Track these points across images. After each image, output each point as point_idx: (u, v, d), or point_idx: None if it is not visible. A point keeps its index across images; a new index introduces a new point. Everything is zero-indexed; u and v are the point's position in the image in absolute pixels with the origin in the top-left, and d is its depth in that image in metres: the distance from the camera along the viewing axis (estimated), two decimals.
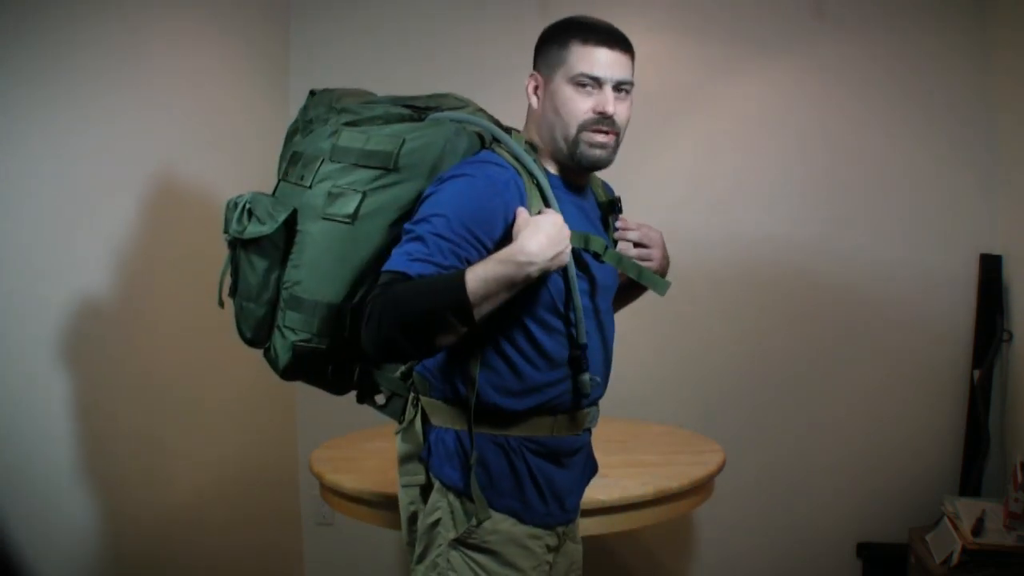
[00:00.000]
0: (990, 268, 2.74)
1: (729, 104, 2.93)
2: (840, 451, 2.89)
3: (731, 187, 2.93)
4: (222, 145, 2.58)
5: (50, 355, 1.96)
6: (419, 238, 1.34)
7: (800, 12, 2.86)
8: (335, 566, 3.10)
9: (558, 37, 1.48)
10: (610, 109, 1.45)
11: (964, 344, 2.78)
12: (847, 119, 2.86)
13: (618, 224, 1.60)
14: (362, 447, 2.40)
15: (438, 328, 1.30)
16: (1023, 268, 2.64)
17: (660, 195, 2.95)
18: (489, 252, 1.36)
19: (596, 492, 1.97)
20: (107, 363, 2.13)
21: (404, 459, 1.52)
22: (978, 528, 2.28)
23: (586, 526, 1.97)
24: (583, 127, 1.45)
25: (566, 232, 1.35)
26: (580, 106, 1.45)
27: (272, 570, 2.94)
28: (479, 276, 1.28)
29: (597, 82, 1.45)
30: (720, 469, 2.24)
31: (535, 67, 1.51)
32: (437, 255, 1.32)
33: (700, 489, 2.17)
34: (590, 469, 1.64)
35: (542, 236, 1.31)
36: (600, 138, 1.46)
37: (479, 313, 1.29)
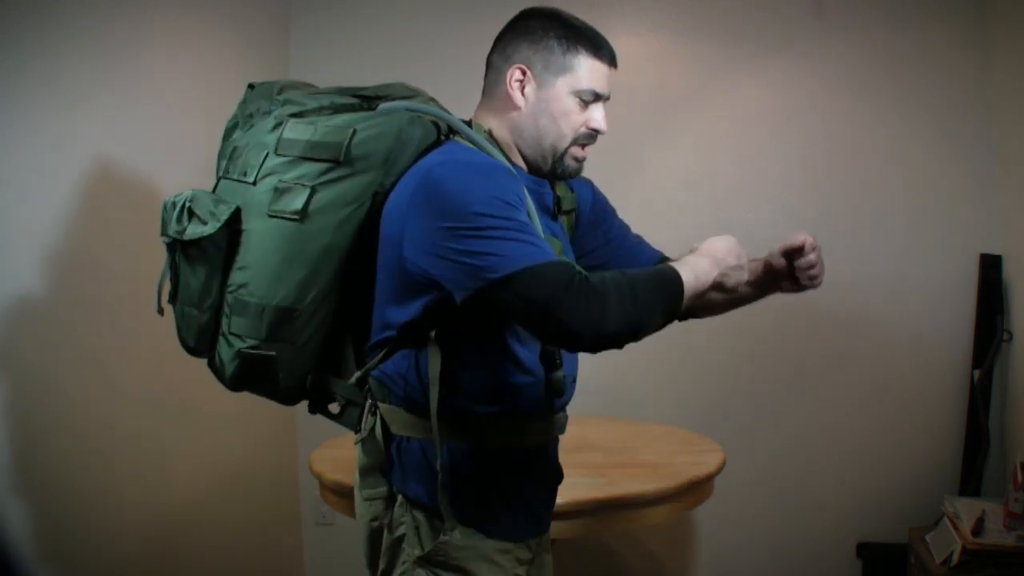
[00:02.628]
0: (990, 268, 2.74)
1: (729, 104, 2.93)
2: (840, 451, 2.89)
3: (730, 187, 2.93)
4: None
5: (47, 356, 1.96)
6: (516, 234, 1.23)
7: (800, 12, 2.86)
8: (335, 566, 3.10)
9: (561, 38, 1.40)
10: (605, 128, 1.43)
11: (964, 344, 2.79)
12: (847, 119, 2.86)
13: (809, 257, 1.57)
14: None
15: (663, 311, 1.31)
16: (1023, 268, 2.64)
17: (660, 195, 2.95)
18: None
19: (596, 492, 1.97)
20: (105, 361, 2.13)
21: (365, 471, 1.43)
22: (978, 528, 2.28)
23: (586, 526, 1.98)
24: (575, 141, 1.42)
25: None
26: (578, 120, 1.41)
27: (272, 570, 2.94)
28: (697, 275, 1.34)
29: (596, 98, 1.41)
30: (720, 469, 2.24)
31: (520, 58, 1.41)
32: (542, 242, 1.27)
33: (700, 489, 2.17)
34: (557, 478, 1.55)
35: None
36: (583, 153, 1.44)
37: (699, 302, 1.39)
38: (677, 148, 2.96)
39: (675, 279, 1.30)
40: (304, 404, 3.17)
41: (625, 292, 1.23)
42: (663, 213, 2.95)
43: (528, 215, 1.31)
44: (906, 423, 2.85)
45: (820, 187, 2.88)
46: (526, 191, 1.35)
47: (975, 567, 2.22)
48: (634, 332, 1.26)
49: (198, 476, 2.48)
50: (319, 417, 3.14)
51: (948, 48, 2.80)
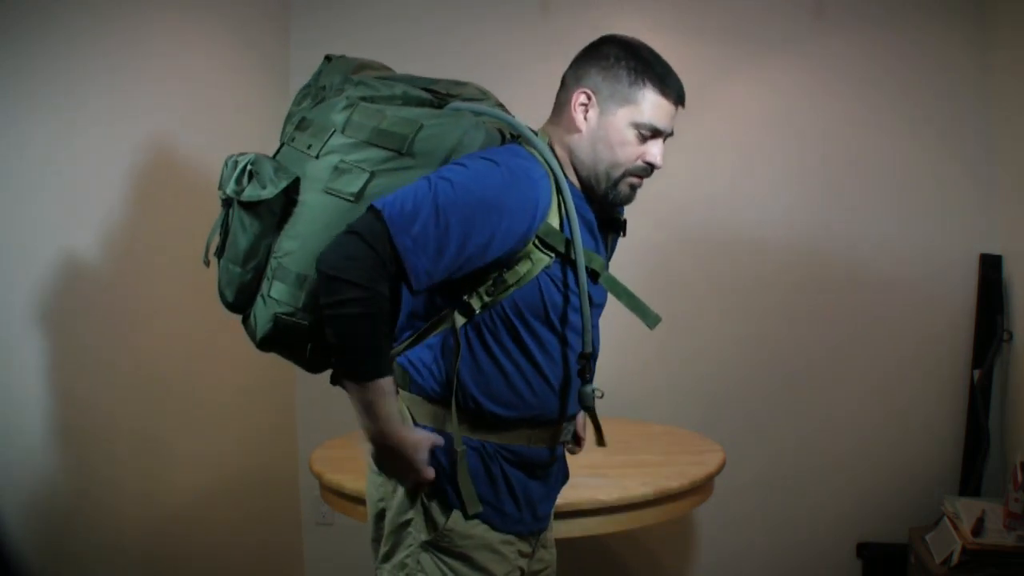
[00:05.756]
0: (990, 268, 2.74)
1: (729, 104, 2.93)
2: (840, 451, 2.89)
3: (731, 187, 2.93)
4: (222, 146, 2.56)
5: (46, 351, 1.96)
6: (419, 213, 1.31)
7: (800, 12, 2.86)
8: (335, 566, 3.10)
9: (630, 70, 1.43)
10: (660, 163, 1.46)
11: (964, 344, 2.79)
12: (847, 119, 2.86)
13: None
14: (362, 447, 2.40)
15: (333, 342, 1.35)
16: (1023, 268, 2.64)
17: (660, 195, 2.94)
18: (494, 246, 1.34)
19: (596, 492, 1.98)
20: (105, 361, 2.13)
21: None
22: (978, 528, 2.28)
23: (586, 526, 1.98)
24: (630, 172, 1.46)
25: (417, 467, 1.39)
26: (635, 151, 1.44)
27: (272, 570, 2.94)
28: (374, 397, 1.33)
29: (655, 134, 1.45)
30: (720, 469, 2.24)
31: (588, 83, 1.45)
32: (438, 237, 1.31)
33: (700, 489, 2.17)
34: (562, 477, 1.61)
35: (394, 466, 1.41)
36: (638, 182, 1.48)
37: (346, 387, 1.37)
38: (677, 148, 2.94)
39: (369, 367, 1.33)
40: (303, 405, 3.17)
41: (369, 302, 1.29)
42: (663, 213, 2.95)
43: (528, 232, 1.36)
44: (906, 423, 2.85)
45: (820, 187, 2.88)
46: (565, 205, 1.40)
47: (975, 567, 2.22)
48: (329, 293, 1.31)
49: (198, 476, 2.48)
50: (319, 417, 3.16)
51: (948, 48, 2.80)
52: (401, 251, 1.30)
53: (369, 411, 1.35)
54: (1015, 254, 2.69)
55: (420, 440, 1.38)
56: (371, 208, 1.32)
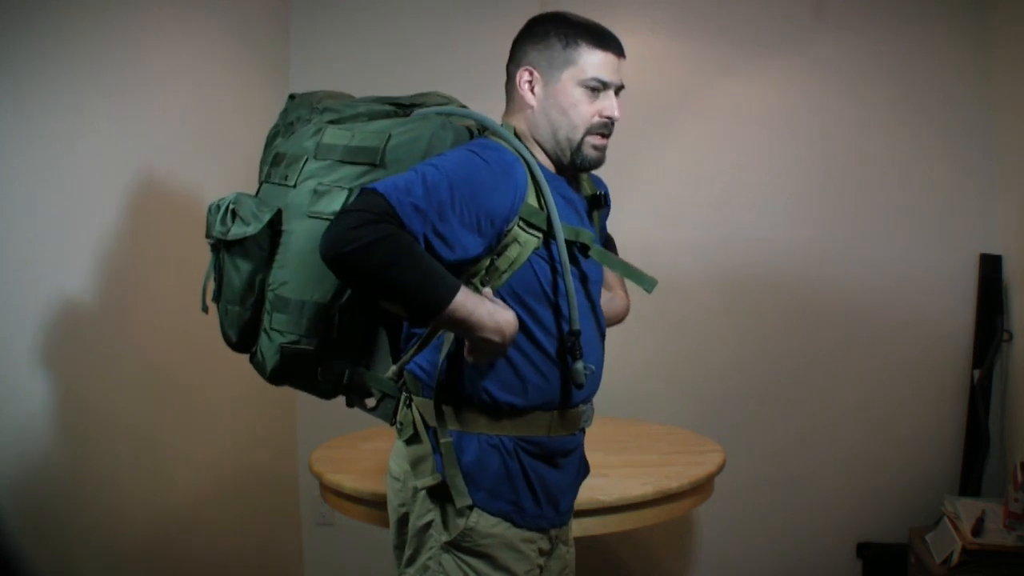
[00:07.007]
0: (990, 268, 2.74)
1: (728, 104, 2.93)
2: (840, 451, 2.89)
3: (730, 187, 2.93)
4: (222, 146, 2.58)
5: (48, 353, 1.96)
6: (412, 190, 1.31)
7: (800, 12, 2.87)
8: (335, 566, 3.10)
9: (561, 35, 1.46)
10: (617, 114, 1.48)
11: (964, 344, 2.79)
12: (847, 119, 2.86)
13: None
14: (362, 447, 2.40)
15: (398, 302, 1.33)
16: (1023, 268, 2.64)
17: (659, 195, 2.95)
18: (483, 229, 1.35)
19: (596, 492, 1.97)
20: (106, 362, 2.13)
21: (416, 461, 1.47)
22: (978, 528, 2.28)
23: (586, 526, 1.97)
24: (589, 130, 1.47)
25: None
26: (588, 109, 1.47)
27: (272, 570, 2.94)
28: (466, 305, 1.29)
29: (604, 86, 1.47)
30: (720, 469, 2.24)
31: (526, 61, 1.48)
32: (433, 213, 1.31)
33: (700, 489, 2.17)
34: (583, 470, 1.62)
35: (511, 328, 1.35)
36: (601, 141, 1.49)
37: (435, 324, 1.35)
38: (677, 148, 2.96)
39: (442, 291, 1.28)
40: (303, 405, 3.18)
41: (390, 255, 1.26)
42: (663, 213, 2.95)
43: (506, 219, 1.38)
44: (906, 423, 2.85)
45: (820, 187, 2.88)
46: (538, 185, 1.41)
47: (975, 567, 2.22)
48: (337, 263, 1.29)
49: (198, 476, 2.48)
50: (319, 417, 3.16)
51: (948, 48, 2.80)
52: (402, 215, 1.29)
53: (469, 324, 1.31)
54: (1015, 254, 2.69)
55: (501, 308, 1.36)
56: (363, 189, 1.33)
